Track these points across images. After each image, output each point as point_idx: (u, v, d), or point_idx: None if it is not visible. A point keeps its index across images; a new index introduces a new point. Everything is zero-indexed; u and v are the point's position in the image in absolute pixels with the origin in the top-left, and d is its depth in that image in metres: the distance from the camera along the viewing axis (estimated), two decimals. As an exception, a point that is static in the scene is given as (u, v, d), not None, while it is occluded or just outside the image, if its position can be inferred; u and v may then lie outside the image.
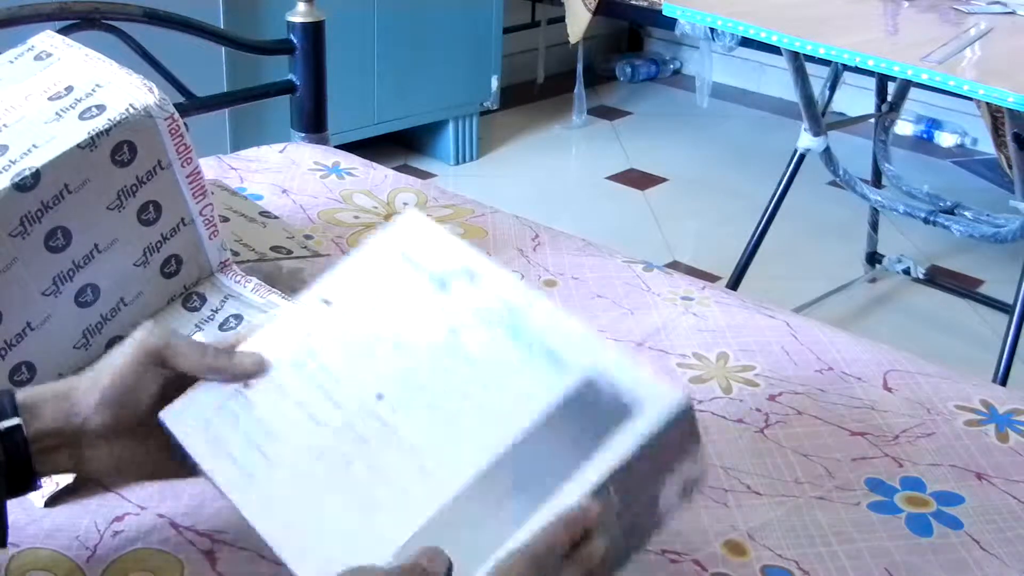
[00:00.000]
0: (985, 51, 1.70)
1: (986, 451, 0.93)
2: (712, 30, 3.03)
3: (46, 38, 0.95)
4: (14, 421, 0.65)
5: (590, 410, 0.61)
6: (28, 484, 0.66)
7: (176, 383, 0.68)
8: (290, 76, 1.65)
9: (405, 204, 1.40)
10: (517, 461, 0.61)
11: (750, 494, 0.86)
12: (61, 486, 0.80)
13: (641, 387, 0.61)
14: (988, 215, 2.06)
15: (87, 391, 0.66)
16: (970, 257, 2.73)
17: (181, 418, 0.67)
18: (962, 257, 2.73)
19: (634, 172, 3.26)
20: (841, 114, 3.23)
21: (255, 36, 1.74)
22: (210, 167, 1.45)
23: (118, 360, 0.67)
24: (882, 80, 2.30)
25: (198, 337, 0.92)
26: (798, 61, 2.01)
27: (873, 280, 2.63)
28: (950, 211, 2.10)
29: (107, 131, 0.83)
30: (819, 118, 2.15)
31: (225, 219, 1.07)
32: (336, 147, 1.66)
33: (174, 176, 0.89)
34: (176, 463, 0.68)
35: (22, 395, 0.66)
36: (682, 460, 0.63)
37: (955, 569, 0.79)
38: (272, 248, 1.08)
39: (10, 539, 0.68)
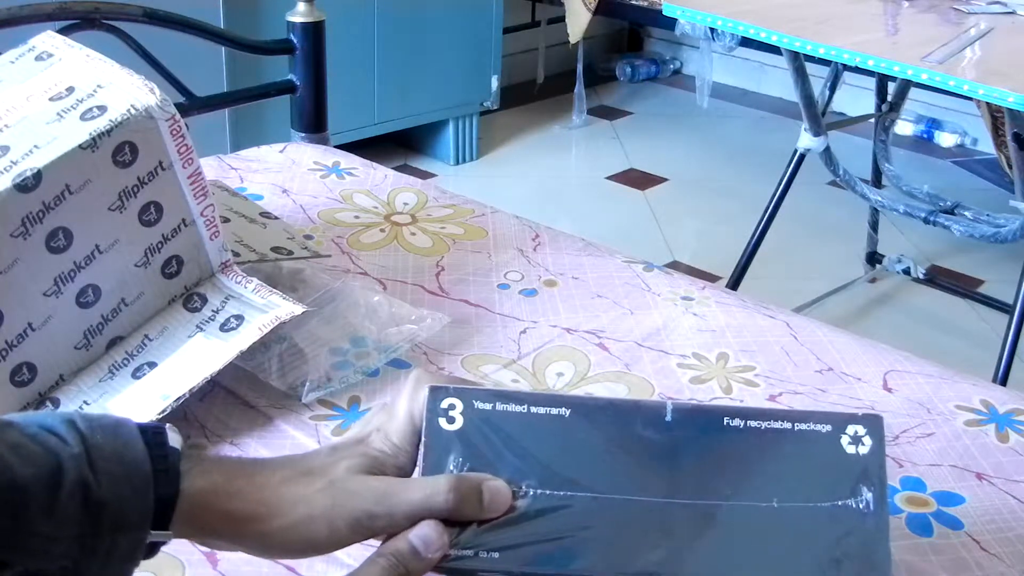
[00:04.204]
0: (985, 51, 1.70)
1: (986, 451, 0.93)
2: (712, 30, 3.03)
3: (47, 38, 0.95)
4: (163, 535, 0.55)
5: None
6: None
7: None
8: (290, 76, 1.65)
9: (405, 204, 1.40)
10: None
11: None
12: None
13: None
14: (988, 215, 2.06)
15: (265, 534, 0.56)
16: (970, 257, 2.73)
17: None
18: (962, 257, 2.73)
19: (634, 172, 3.26)
20: (841, 114, 3.23)
21: (255, 36, 1.74)
22: (210, 167, 1.45)
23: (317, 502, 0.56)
24: (882, 80, 2.30)
25: (200, 338, 0.92)
26: (798, 61, 2.01)
27: (873, 280, 2.63)
28: (950, 211, 2.10)
29: (108, 132, 0.83)
30: (819, 118, 2.15)
31: (226, 220, 1.07)
32: (336, 147, 1.66)
33: (175, 177, 0.89)
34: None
35: (198, 488, 0.54)
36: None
37: (955, 569, 0.79)
38: (272, 249, 1.08)
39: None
